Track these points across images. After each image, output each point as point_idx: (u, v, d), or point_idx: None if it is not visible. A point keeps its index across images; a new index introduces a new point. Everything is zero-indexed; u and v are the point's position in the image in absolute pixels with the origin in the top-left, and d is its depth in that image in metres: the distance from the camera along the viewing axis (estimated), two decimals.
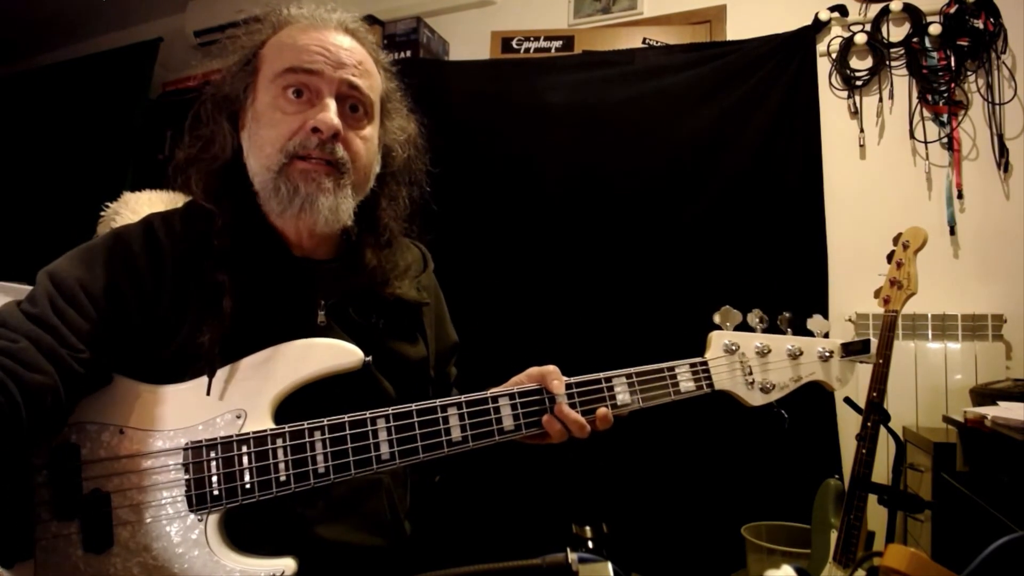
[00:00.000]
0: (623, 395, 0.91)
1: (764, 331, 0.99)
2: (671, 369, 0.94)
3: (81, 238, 0.96)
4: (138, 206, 1.55)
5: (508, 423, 0.86)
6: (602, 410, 0.88)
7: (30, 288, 0.82)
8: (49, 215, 3.09)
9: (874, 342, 0.99)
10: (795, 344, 0.98)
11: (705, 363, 0.95)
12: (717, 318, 0.98)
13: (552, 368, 0.90)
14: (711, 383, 0.95)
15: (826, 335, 1.00)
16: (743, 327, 0.98)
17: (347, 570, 0.86)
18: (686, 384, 0.94)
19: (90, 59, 3.47)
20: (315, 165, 0.85)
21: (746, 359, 0.96)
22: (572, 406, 0.88)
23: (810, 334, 1.00)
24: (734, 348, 0.96)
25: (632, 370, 0.92)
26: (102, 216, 1.62)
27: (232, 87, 0.91)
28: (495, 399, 0.87)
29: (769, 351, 0.97)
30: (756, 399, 0.96)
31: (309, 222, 0.86)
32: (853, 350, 0.99)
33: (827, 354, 0.99)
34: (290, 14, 0.92)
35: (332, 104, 0.86)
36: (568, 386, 0.89)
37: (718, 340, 0.97)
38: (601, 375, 0.91)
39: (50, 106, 3.41)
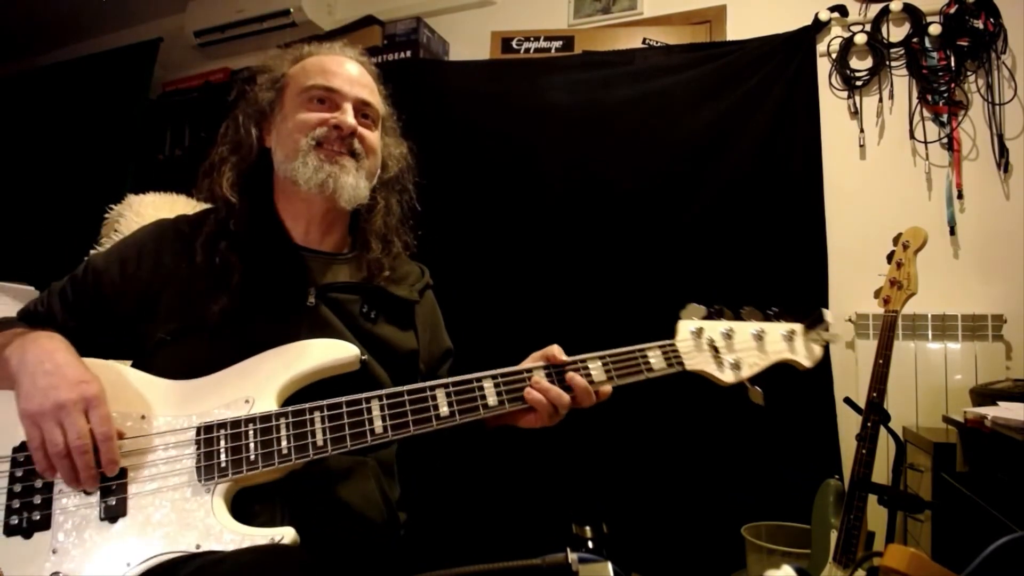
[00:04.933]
0: (597, 373, 0.97)
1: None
2: (642, 351, 1.00)
3: (82, 239, 0.99)
4: (141, 208, 1.55)
5: (492, 400, 0.93)
6: (577, 378, 0.94)
7: (30, 288, 0.85)
8: (49, 216, 3.10)
9: (827, 313, 1.05)
10: (758, 327, 1.05)
11: (673, 345, 1.02)
12: (683, 313, 1.05)
13: (552, 347, 0.98)
14: (681, 362, 1.00)
15: (791, 332, 1.06)
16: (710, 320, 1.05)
17: (345, 542, 0.91)
18: (657, 363, 1.00)
19: (90, 59, 3.47)
20: (336, 154, 1.03)
21: (713, 341, 1.03)
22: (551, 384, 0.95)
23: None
24: (700, 333, 1.02)
25: (606, 352, 0.99)
26: (106, 218, 1.63)
27: (261, 103, 1.09)
28: (479, 379, 0.94)
29: (734, 334, 1.03)
30: (728, 376, 1.02)
31: (332, 196, 1.01)
32: (812, 325, 1.06)
33: (789, 334, 1.05)
34: (311, 48, 1.14)
35: (350, 109, 1.05)
36: (546, 367, 0.96)
37: (684, 327, 1.04)
38: (576, 357, 0.98)
39: (50, 106, 3.40)
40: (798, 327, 1.06)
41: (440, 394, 0.91)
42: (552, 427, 0.96)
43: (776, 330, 1.05)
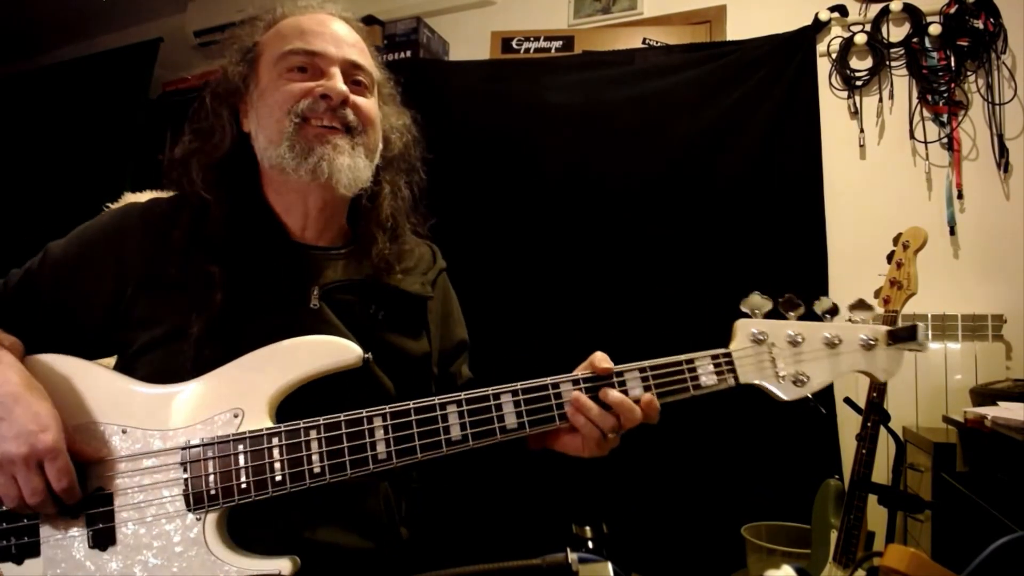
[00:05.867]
0: (636, 390, 0.82)
1: (799, 319, 0.88)
2: (690, 361, 0.84)
3: None
4: None
5: (511, 421, 0.80)
6: (613, 393, 0.80)
7: None
8: (49, 215, 3.09)
9: (922, 328, 0.85)
10: (833, 332, 0.86)
11: (728, 355, 0.85)
12: (744, 306, 0.87)
13: (594, 355, 0.85)
14: (736, 376, 0.84)
15: (873, 341, 0.88)
16: (774, 315, 0.88)
17: (341, 571, 0.85)
18: (707, 378, 0.84)
19: (90, 59, 3.47)
20: (327, 131, 0.88)
21: (777, 349, 0.85)
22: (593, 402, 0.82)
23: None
24: (763, 338, 0.85)
25: (646, 363, 0.84)
26: None
27: (231, 79, 0.94)
28: (496, 395, 0.81)
29: (803, 340, 0.85)
30: (788, 392, 0.84)
31: (328, 184, 0.87)
32: (901, 337, 0.85)
33: (871, 342, 0.85)
34: (286, 9, 0.97)
35: (338, 74, 0.89)
36: (575, 381, 0.82)
37: (744, 329, 0.86)
38: (613, 368, 0.84)
39: (50, 106, 3.40)
40: (882, 335, 0.86)
41: (452, 413, 0.79)
42: None
43: (854, 337, 0.86)
